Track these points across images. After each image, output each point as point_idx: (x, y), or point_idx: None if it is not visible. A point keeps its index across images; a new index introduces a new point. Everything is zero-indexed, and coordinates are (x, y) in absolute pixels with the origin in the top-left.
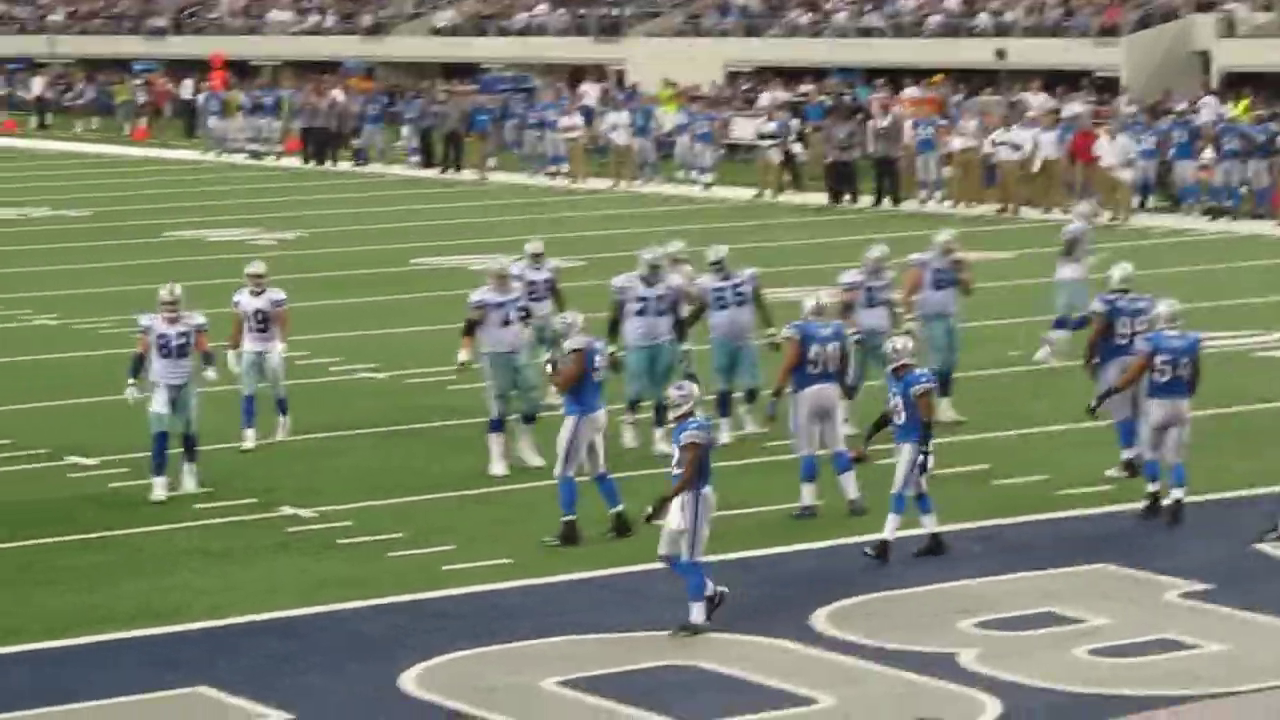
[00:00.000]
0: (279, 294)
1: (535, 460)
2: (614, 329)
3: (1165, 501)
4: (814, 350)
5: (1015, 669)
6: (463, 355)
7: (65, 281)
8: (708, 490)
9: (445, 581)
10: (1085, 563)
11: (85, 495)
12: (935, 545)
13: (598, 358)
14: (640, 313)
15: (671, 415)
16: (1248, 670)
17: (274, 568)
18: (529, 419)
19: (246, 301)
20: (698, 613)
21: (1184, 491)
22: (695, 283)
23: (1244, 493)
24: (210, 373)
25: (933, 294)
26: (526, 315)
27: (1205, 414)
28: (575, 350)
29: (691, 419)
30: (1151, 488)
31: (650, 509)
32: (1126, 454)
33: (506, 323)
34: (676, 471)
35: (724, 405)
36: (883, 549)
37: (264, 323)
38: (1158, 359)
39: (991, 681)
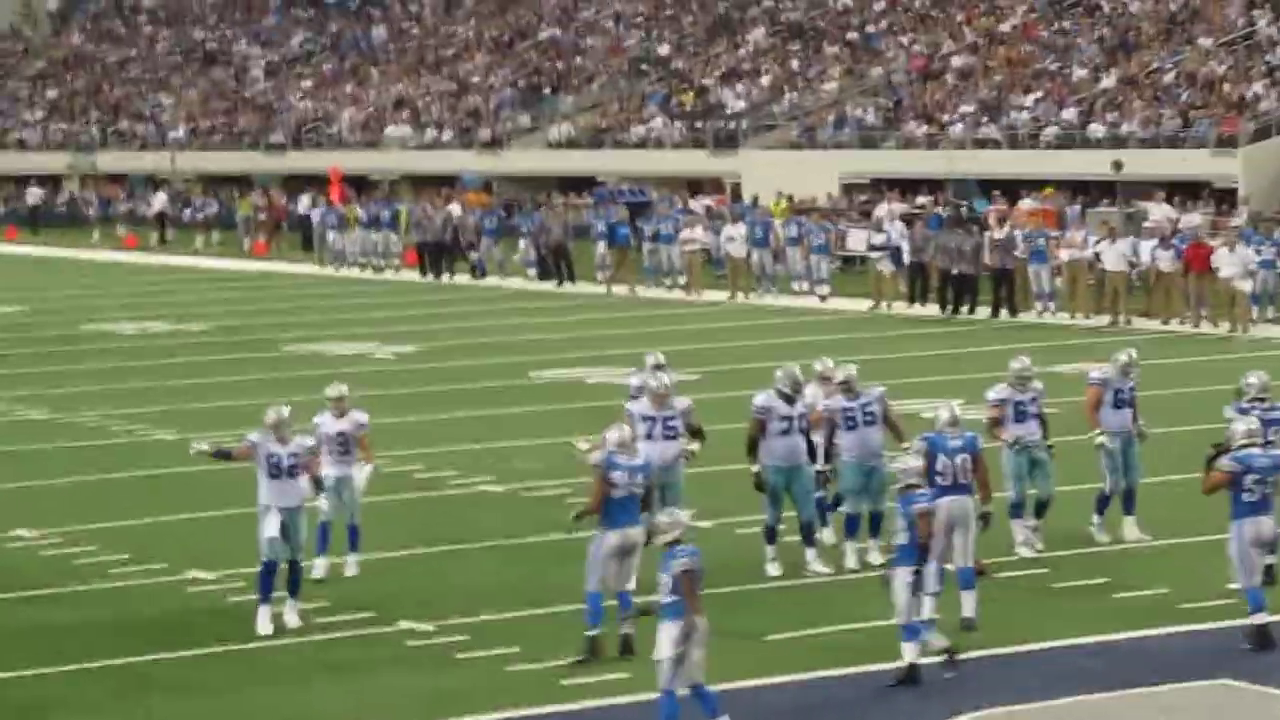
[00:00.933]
0: (362, 416)
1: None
2: (753, 448)
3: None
4: (941, 462)
5: None
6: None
7: (184, 396)
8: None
9: (564, 696)
10: (1206, 678)
11: (204, 609)
12: (911, 677)
13: (616, 474)
14: (784, 433)
15: (658, 541)
16: None
17: (395, 681)
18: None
19: (328, 424)
20: None
21: (1266, 615)
22: (823, 403)
23: None
24: (321, 501)
25: (1112, 413)
26: (674, 435)
27: None
28: (595, 466)
29: (679, 546)
30: (1259, 618)
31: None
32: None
33: (650, 436)
34: (667, 599)
35: (852, 527)
36: (910, 673)
37: (345, 446)
38: (1248, 479)
39: None
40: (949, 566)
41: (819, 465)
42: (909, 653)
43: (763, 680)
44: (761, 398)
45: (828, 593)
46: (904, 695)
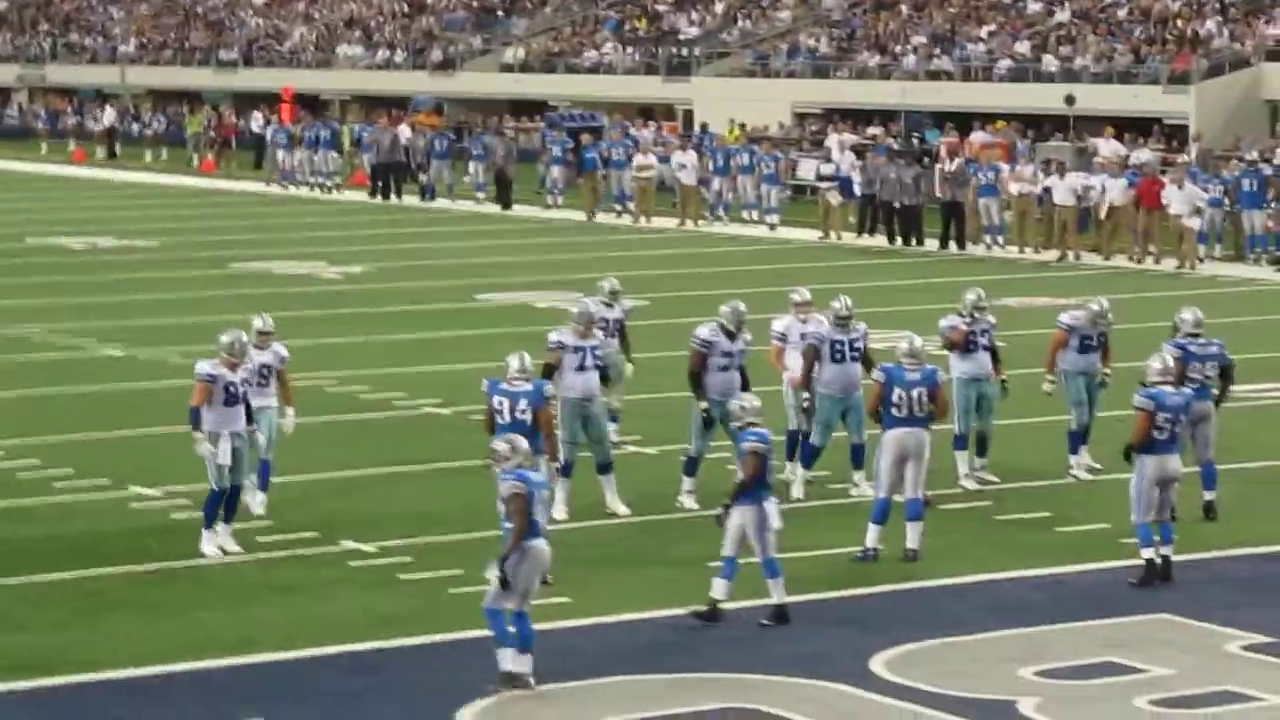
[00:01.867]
0: (284, 349)
1: (622, 509)
2: (697, 381)
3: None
4: (897, 394)
5: (1075, 718)
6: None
7: (131, 312)
8: (535, 543)
9: None
10: (1147, 612)
11: (148, 526)
12: (780, 616)
13: (495, 399)
14: (724, 368)
15: (499, 467)
16: None
17: (337, 602)
18: (605, 469)
19: (250, 355)
20: (515, 662)
21: (1172, 548)
22: (812, 329)
23: None
24: (259, 433)
25: (1076, 355)
26: (603, 364)
27: (1272, 465)
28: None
29: (518, 469)
30: (1147, 553)
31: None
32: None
33: (582, 368)
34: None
35: (808, 456)
36: (713, 611)
37: (265, 378)
38: (1160, 416)
39: None
40: (898, 498)
41: (796, 398)
42: (718, 590)
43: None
44: (705, 331)
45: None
46: (848, 626)
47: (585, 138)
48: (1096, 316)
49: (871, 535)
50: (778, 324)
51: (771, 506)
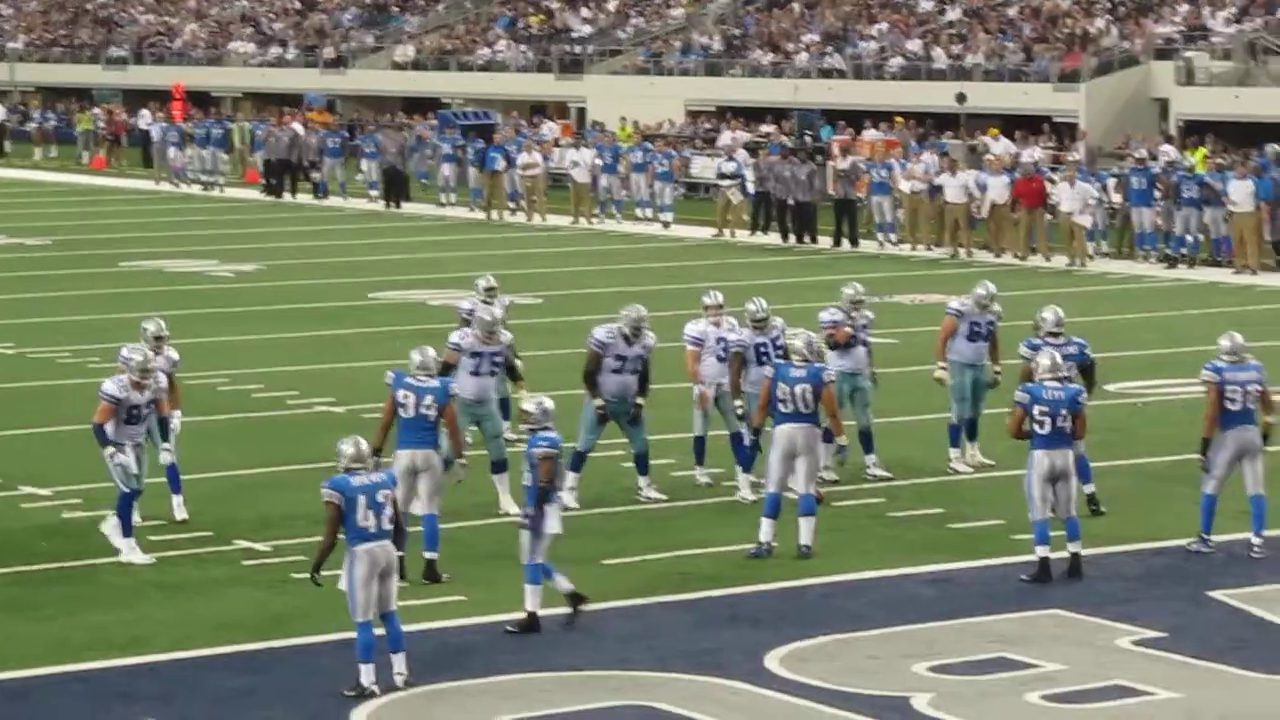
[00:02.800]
0: (175, 354)
1: (513, 509)
2: (592, 380)
3: (1063, 555)
4: (781, 389)
5: (968, 714)
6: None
7: (22, 310)
8: (362, 548)
9: (401, 618)
10: (1038, 608)
11: (39, 525)
12: (531, 625)
13: (399, 393)
14: (617, 371)
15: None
16: (1201, 718)
17: (230, 601)
18: (499, 468)
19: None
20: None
21: (1080, 544)
22: (733, 337)
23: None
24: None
25: (966, 343)
26: (497, 369)
27: (1162, 460)
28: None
29: (336, 478)
30: (1042, 550)
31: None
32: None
33: (477, 373)
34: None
35: (744, 457)
36: (530, 622)
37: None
38: (1036, 410)
39: None
40: (790, 494)
41: (727, 403)
42: (530, 597)
43: (600, 605)
44: (602, 332)
45: (668, 518)
46: (740, 624)
47: (497, 137)
48: (982, 300)
49: (765, 530)
50: (691, 328)
51: (554, 510)
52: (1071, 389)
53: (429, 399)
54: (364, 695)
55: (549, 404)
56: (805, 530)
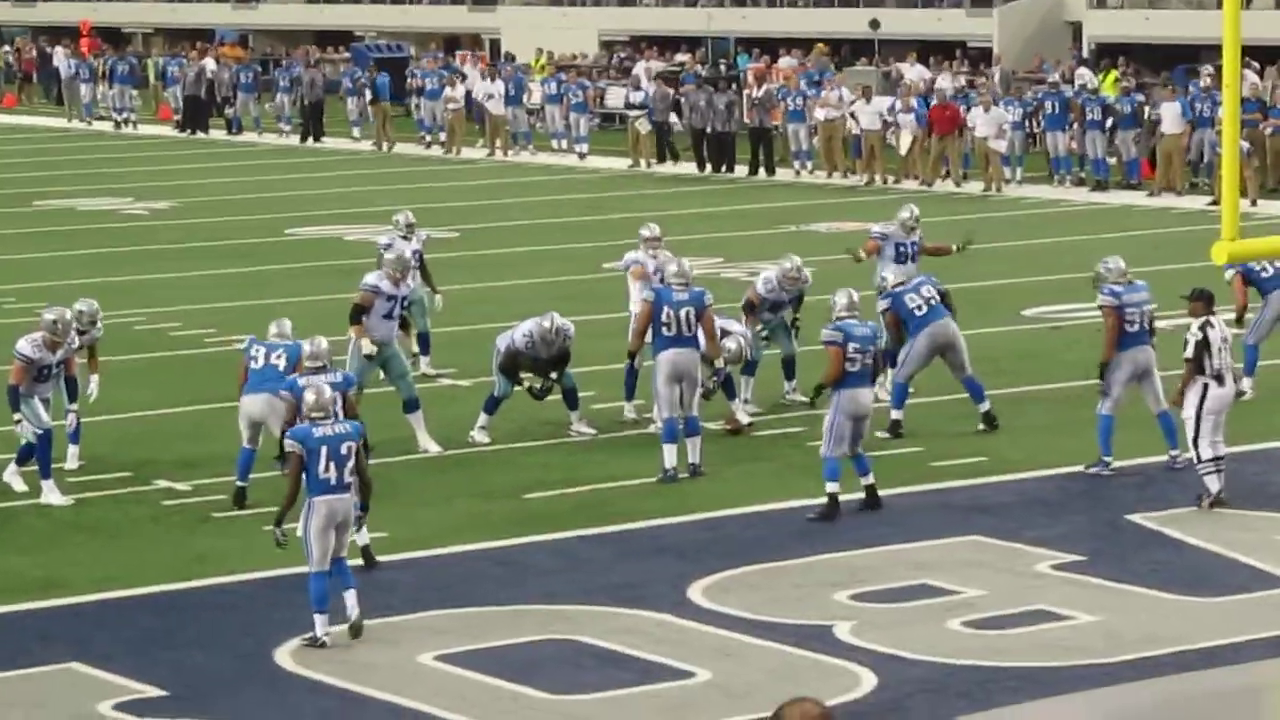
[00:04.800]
0: (99, 331)
1: (433, 448)
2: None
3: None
4: (666, 313)
5: (890, 641)
6: (366, 347)
7: None
8: (320, 499)
9: None
10: (958, 534)
11: None
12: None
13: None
14: (387, 315)
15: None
16: (1121, 641)
17: (150, 542)
18: (411, 406)
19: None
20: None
21: (873, 477)
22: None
23: (1120, 464)
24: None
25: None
26: (407, 307)
27: (1083, 384)
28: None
29: (300, 426)
30: (832, 488)
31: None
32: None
33: (389, 316)
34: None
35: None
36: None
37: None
38: (850, 346)
39: (867, 654)
40: (677, 415)
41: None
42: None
43: (523, 539)
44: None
45: (589, 451)
46: (665, 554)
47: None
48: (907, 223)
49: (667, 456)
50: (631, 255)
51: None
52: (873, 325)
53: (279, 351)
54: (317, 644)
55: (325, 344)
56: (693, 450)
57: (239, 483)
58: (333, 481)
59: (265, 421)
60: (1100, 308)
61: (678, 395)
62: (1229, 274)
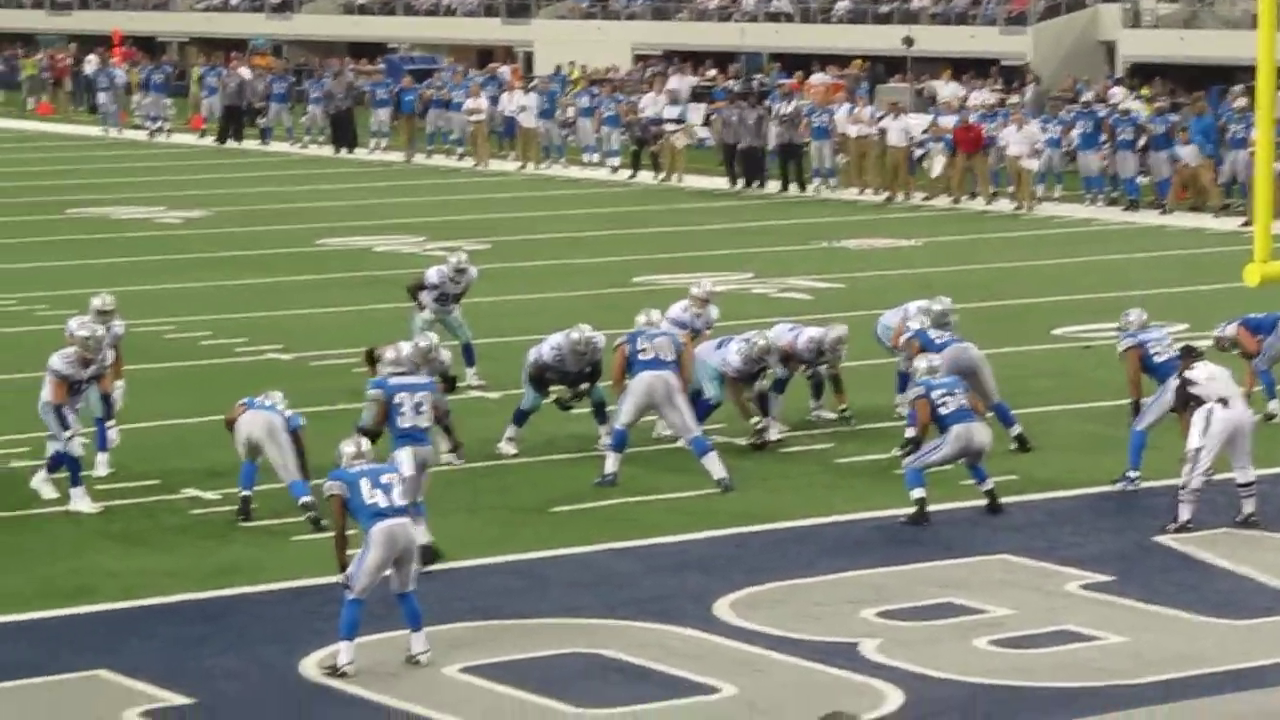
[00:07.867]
0: (120, 326)
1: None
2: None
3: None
4: (640, 342)
5: (916, 659)
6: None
7: None
8: (378, 526)
9: None
10: (986, 553)
11: None
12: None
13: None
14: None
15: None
16: (1148, 662)
17: (178, 550)
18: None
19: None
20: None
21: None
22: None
23: (1149, 485)
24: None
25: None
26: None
27: (1110, 404)
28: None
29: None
30: (918, 494)
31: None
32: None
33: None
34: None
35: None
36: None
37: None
38: (934, 395)
39: (893, 672)
40: (682, 443)
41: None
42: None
43: (550, 552)
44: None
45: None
46: (690, 570)
47: (408, 81)
48: (940, 318)
49: (610, 462)
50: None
51: None
52: (950, 379)
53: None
54: (338, 674)
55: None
56: (714, 467)
57: (243, 491)
58: (382, 505)
59: (262, 444)
60: (1121, 354)
61: (643, 412)
62: (1230, 328)
